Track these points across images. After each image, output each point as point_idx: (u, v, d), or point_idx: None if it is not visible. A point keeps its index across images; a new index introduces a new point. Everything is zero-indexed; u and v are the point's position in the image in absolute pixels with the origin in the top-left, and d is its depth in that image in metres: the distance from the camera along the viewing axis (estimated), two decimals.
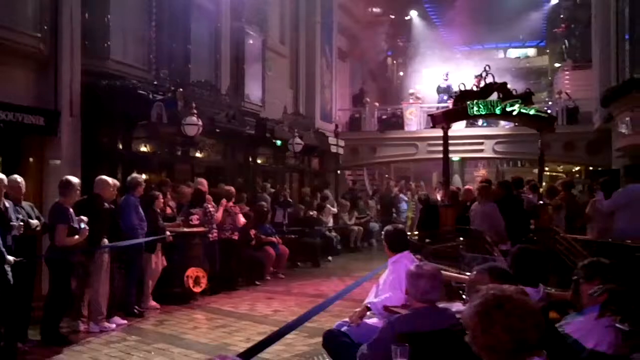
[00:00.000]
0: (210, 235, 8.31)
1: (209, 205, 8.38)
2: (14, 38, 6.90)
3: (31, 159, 7.38)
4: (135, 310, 6.92)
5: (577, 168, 20.10)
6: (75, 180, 5.95)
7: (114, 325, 6.33)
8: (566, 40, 22.80)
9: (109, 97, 7.83)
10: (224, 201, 8.71)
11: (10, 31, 6.83)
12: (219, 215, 8.49)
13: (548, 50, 29.73)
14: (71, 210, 5.80)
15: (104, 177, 6.50)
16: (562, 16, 23.15)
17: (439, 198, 11.71)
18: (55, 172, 7.08)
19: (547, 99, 19.50)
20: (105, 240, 6.31)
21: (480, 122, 14.92)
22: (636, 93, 8.83)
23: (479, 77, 8.19)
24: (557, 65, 23.45)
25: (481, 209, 7.57)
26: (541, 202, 8.14)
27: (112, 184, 6.48)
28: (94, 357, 5.36)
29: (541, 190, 8.69)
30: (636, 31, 9.74)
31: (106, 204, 6.34)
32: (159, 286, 7.52)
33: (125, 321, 6.56)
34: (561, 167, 21.19)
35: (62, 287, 5.77)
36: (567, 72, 18.65)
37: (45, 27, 7.28)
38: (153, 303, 7.33)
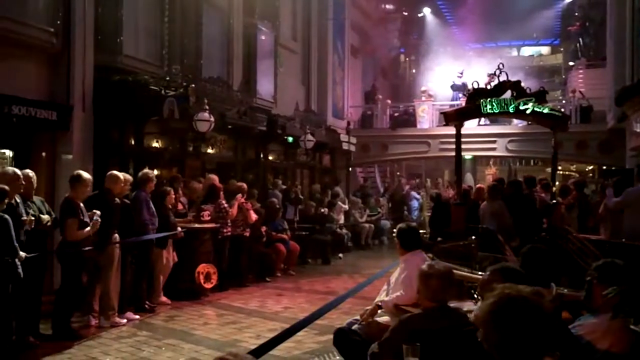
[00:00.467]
0: (224, 231, 8.32)
1: (223, 201, 8.40)
2: (27, 32, 6.95)
3: (43, 154, 7.43)
4: (146, 306, 6.95)
5: (590, 167, 19.89)
6: (86, 175, 5.97)
7: (124, 321, 6.36)
8: (580, 39, 22.57)
9: (121, 92, 7.84)
10: (239, 196, 8.73)
11: (23, 25, 6.87)
12: (233, 210, 8.49)
13: (562, 49, 29.45)
14: (82, 205, 5.83)
15: (115, 172, 6.53)
16: (576, 14, 22.93)
17: (449, 196, 11.63)
18: (67, 167, 7.13)
19: (560, 98, 19.32)
20: (117, 236, 6.34)
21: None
22: None
23: (492, 75, 8.08)
24: (570, 63, 23.20)
25: (489, 208, 7.54)
26: (554, 201, 8.04)
27: (124, 179, 6.51)
28: (104, 351, 5.38)
29: (554, 189, 8.58)
30: None
31: (117, 199, 6.36)
32: (169, 282, 7.55)
33: (136, 316, 6.60)
34: (574, 166, 20.98)
35: (74, 281, 5.79)
36: (580, 71, 18.46)
37: (58, 22, 7.32)
38: (164, 299, 7.36)
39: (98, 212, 5.85)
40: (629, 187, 7.27)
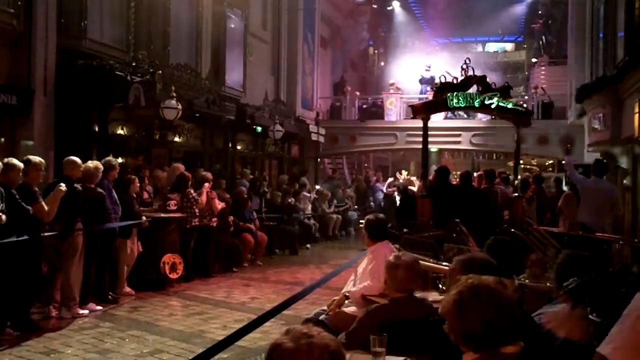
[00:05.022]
0: (194, 221, 8.21)
1: (191, 190, 8.29)
2: None
3: (2, 140, 7.18)
4: (109, 297, 6.81)
5: (550, 162, 20.49)
6: (36, 158, 5.70)
7: (86, 312, 6.21)
8: (543, 36, 23.12)
9: (85, 77, 7.65)
10: (206, 185, 8.64)
11: None
12: (203, 199, 8.39)
13: (525, 46, 30.10)
14: (36, 189, 5.64)
15: (72, 157, 6.27)
16: (539, 12, 23.47)
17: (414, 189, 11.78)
18: (27, 153, 6.83)
19: (523, 94, 19.80)
20: (80, 224, 6.17)
21: (447, 114, 14.90)
22: (608, 90, 9.04)
23: (465, 70, 8.18)
24: (533, 60, 23.76)
25: None
26: (515, 194, 8.27)
27: (94, 167, 6.37)
28: (65, 343, 5.25)
29: (516, 183, 8.83)
30: (610, 30, 9.93)
31: (78, 186, 6.15)
32: (134, 272, 7.41)
33: (99, 307, 6.46)
34: (535, 160, 21.55)
35: (33, 270, 5.61)
36: (543, 68, 18.95)
37: (19, 3, 7.05)
38: (128, 289, 7.23)
39: (63, 185, 5.65)
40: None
